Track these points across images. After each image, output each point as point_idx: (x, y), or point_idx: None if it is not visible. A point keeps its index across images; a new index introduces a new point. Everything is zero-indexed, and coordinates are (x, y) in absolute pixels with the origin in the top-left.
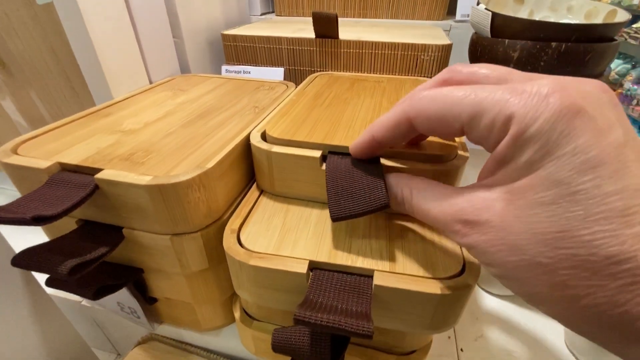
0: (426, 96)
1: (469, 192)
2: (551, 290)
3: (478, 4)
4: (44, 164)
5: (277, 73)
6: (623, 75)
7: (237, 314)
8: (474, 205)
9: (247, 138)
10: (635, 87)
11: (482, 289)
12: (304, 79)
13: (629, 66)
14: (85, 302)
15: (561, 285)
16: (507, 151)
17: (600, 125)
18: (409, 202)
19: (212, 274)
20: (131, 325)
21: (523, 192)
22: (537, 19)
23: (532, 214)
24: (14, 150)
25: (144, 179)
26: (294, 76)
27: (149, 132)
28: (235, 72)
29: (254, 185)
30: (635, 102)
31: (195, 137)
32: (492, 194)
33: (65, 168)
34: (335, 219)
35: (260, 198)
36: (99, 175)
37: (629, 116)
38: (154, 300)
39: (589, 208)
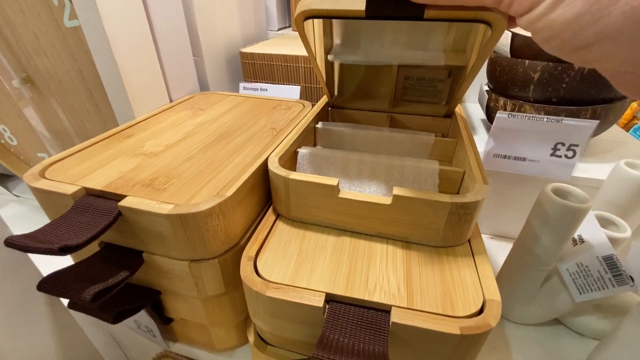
0: None
1: None
2: None
3: None
4: (70, 189)
5: (293, 91)
6: None
7: (251, 338)
8: None
9: (265, 163)
10: None
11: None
12: (320, 96)
13: None
14: None
15: None
16: None
17: None
18: None
19: (228, 298)
20: (147, 342)
21: None
22: None
23: None
24: (42, 174)
25: (166, 208)
26: (310, 93)
27: (169, 155)
28: (253, 89)
29: (271, 208)
30: None
31: (214, 161)
32: None
33: (90, 193)
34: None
35: (276, 223)
36: (122, 203)
37: None
38: (170, 320)
39: None
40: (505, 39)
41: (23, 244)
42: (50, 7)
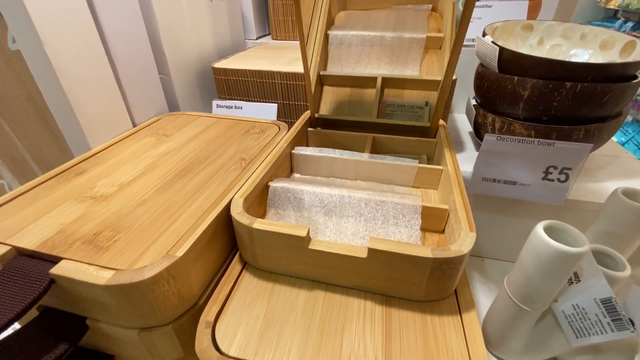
0: None
1: None
2: None
3: (484, 34)
4: None
5: (270, 109)
6: None
7: None
8: None
9: (228, 207)
10: None
11: (493, 354)
12: (298, 114)
13: None
14: None
15: None
16: None
17: None
18: None
19: None
20: None
21: None
22: (547, 47)
23: None
24: None
25: (104, 277)
26: (288, 111)
27: (121, 198)
28: (227, 107)
29: (237, 255)
30: None
31: (171, 205)
32: None
33: (22, 253)
34: None
35: (242, 274)
36: (54, 270)
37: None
38: None
39: None
40: (492, 53)
41: None
42: None
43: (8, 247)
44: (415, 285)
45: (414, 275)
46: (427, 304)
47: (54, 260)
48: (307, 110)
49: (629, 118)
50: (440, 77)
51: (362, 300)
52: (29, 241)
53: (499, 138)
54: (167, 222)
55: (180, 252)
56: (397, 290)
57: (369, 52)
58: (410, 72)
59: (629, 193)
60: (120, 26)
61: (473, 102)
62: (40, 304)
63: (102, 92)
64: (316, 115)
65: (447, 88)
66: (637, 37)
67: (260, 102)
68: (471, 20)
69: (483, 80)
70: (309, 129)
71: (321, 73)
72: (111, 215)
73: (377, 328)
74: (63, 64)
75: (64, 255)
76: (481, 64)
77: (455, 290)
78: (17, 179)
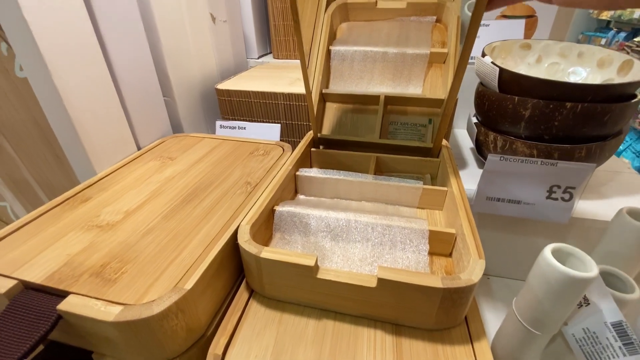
0: None
1: None
2: None
3: (483, 54)
4: (4, 285)
5: (273, 130)
6: None
7: None
8: None
9: (235, 234)
10: None
11: None
12: (301, 134)
13: None
14: None
15: None
16: None
17: None
18: None
19: None
20: None
21: None
22: (545, 65)
23: None
24: None
25: (112, 313)
26: (292, 130)
27: (128, 227)
28: (230, 127)
29: (244, 283)
30: None
31: (178, 233)
32: None
33: (28, 286)
34: None
35: (249, 303)
36: (62, 306)
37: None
38: None
39: None
40: (492, 73)
41: None
42: (0, 58)
43: (15, 281)
44: (426, 314)
45: (424, 304)
46: (438, 333)
47: (62, 294)
48: (310, 130)
49: None
50: (443, 96)
51: (372, 330)
52: (36, 274)
53: (502, 158)
54: (174, 252)
55: (188, 285)
56: (407, 319)
57: (372, 68)
58: (414, 88)
59: (634, 213)
60: (126, 53)
61: (474, 119)
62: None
63: (107, 117)
64: (319, 135)
65: (449, 112)
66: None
67: (263, 122)
68: None
69: (484, 100)
70: (313, 149)
71: (324, 91)
72: (118, 245)
73: (388, 358)
74: (70, 93)
75: (71, 289)
76: (481, 83)
77: (466, 318)
78: (19, 201)
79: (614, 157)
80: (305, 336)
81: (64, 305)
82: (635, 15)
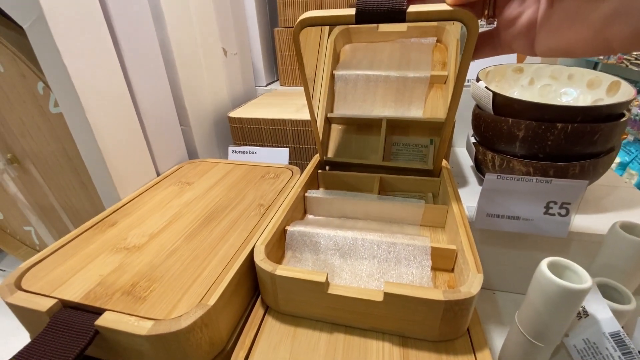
0: None
1: None
2: None
3: (478, 79)
4: (45, 304)
5: (282, 154)
6: None
7: None
8: None
9: (252, 253)
10: None
11: None
12: (309, 157)
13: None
14: None
15: None
16: None
17: None
18: None
19: None
20: None
21: None
22: (538, 86)
23: None
24: (18, 284)
25: (145, 327)
26: (299, 154)
27: (153, 248)
28: (242, 152)
29: (259, 300)
30: None
31: (199, 254)
32: None
33: (67, 305)
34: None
35: (265, 318)
36: (99, 322)
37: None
38: None
39: None
40: (486, 97)
41: None
42: (36, 96)
43: (55, 300)
44: (430, 326)
45: (428, 316)
46: (442, 344)
47: (97, 311)
48: (316, 153)
49: (631, 138)
50: (444, 116)
51: (380, 342)
52: (73, 293)
53: (499, 177)
54: (197, 271)
55: (211, 301)
56: (413, 331)
57: (374, 91)
58: (415, 110)
59: (627, 227)
60: (149, 88)
61: (472, 139)
62: None
63: (131, 147)
64: (325, 158)
65: (446, 137)
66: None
67: (272, 146)
68: None
69: (480, 121)
70: (320, 171)
71: (328, 115)
72: (145, 266)
73: None
74: (100, 126)
75: (106, 306)
76: (477, 106)
77: (468, 329)
78: (45, 225)
79: (611, 171)
80: (318, 349)
81: (101, 321)
82: None
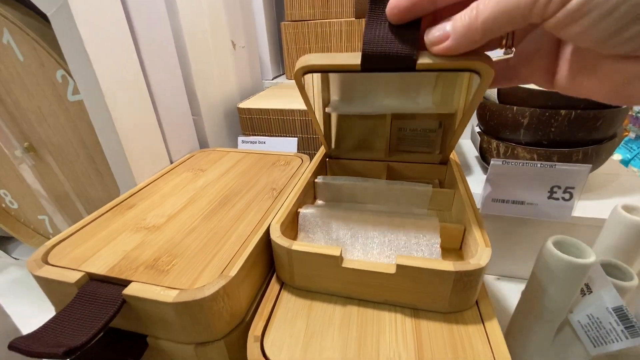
0: None
1: None
2: None
3: None
4: (73, 276)
5: (291, 143)
6: None
7: None
8: None
9: (267, 232)
10: None
11: None
12: (317, 147)
13: None
14: None
15: None
16: None
17: None
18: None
19: None
20: None
21: None
22: None
23: None
24: (45, 259)
25: (170, 295)
26: (307, 144)
27: (172, 228)
28: (251, 142)
29: (274, 276)
30: None
31: (217, 232)
32: None
33: (93, 278)
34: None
35: (281, 293)
36: (126, 291)
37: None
38: None
39: None
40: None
41: (27, 349)
42: (54, 84)
43: (82, 273)
44: (440, 297)
45: (439, 288)
46: (452, 315)
47: (123, 283)
48: None
49: (632, 135)
50: (454, 105)
51: (393, 314)
52: (99, 267)
53: (504, 162)
54: (216, 247)
55: (232, 272)
56: (424, 303)
57: (377, 79)
58: (423, 99)
59: (628, 208)
60: (163, 77)
61: (477, 129)
62: None
63: (147, 134)
64: (330, 153)
65: (459, 134)
66: None
67: (281, 137)
68: None
69: (485, 110)
70: (328, 159)
71: (326, 110)
72: (166, 243)
73: (408, 338)
74: (118, 112)
75: (131, 278)
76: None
77: (477, 302)
78: (59, 213)
79: (614, 160)
80: (333, 321)
81: (129, 290)
82: None
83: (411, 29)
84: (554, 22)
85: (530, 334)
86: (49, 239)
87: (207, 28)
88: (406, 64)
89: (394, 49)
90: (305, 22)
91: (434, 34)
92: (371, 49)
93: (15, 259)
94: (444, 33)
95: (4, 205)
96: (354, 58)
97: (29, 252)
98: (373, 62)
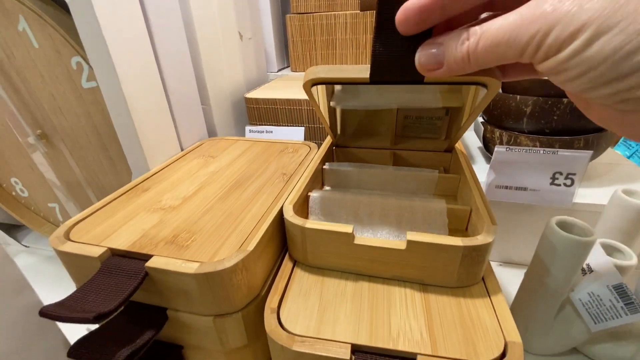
0: None
1: None
2: None
3: None
4: (96, 251)
5: (298, 132)
6: None
7: None
8: None
9: (280, 212)
10: None
11: None
12: (323, 136)
13: None
14: None
15: None
16: None
17: None
18: (475, 32)
19: (251, 350)
20: None
21: None
22: None
23: None
24: (67, 236)
25: (192, 267)
26: (314, 133)
27: (188, 208)
28: (259, 132)
29: (287, 255)
30: None
31: (232, 212)
32: None
33: (115, 253)
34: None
35: (294, 270)
36: (149, 264)
37: None
38: None
39: None
40: None
41: (57, 314)
42: (69, 71)
43: (104, 248)
44: (449, 272)
45: (447, 263)
46: (460, 290)
47: (144, 258)
48: None
49: None
50: (460, 103)
51: (402, 289)
52: (120, 243)
53: (507, 149)
54: (232, 225)
55: (250, 247)
56: (433, 278)
57: None
58: (430, 91)
59: (628, 192)
60: (174, 66)
61: (480, 119)
62: None
63: (159, 121)
64: (337, 141)
65: (466, 128)
66: None
67: (288, 126)
68: None
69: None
70: (335, 147)
71: (330, 104)
72: (183, 222)
73: (418, 310)
74: (133, 99)
75: (152, 253)
76: None
77: (483, 278)
78: (70, 201)
79: (615, 151)
80: (345, 295)
81: (151, 263)
82: None
83: (420, 41)
84: (541, 68)
85: (533, 312)
86: (58, 227)
87: (217, 18)
88: (415, 78)
89: (403, 63)
90: (311, 14)
91: (428, 60)
92: (380, 61)
93: (26, 246)
94: (437, 61)
95: (14, 193)
96: (363, 71)
97: (38, 240)
98: (381, 75)
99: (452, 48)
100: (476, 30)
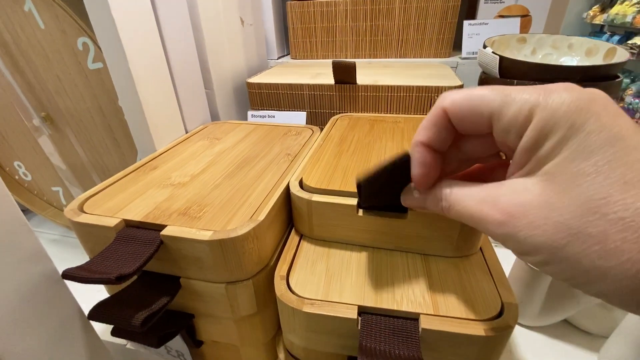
0: (459, 91)
1: (507, 184)
2: (604, 261)
3: (485, 46)
4: (111, 221)
5: (300, 117)
6: (623, 90)
7: (281, 355)
8: (514, 191)
9: (287, 188)
10: (637, 100)
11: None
12: (324, 121)
13: (628, 80)
14: (129, 344)
15: (615, 253)
16: (538, 136)
17: (613, 111)
18: (447, 199)
19: (259, 318)
20: None
21: (562, 168)
22: (540, 56)
23: (575, 186)
24: (81, 208)
25: (206, 235)
26: (315, 118)
27: (197, 184)
28: (261, 116)
29: (293, 230)
30: (637, 115)
31: (241, 188)
32: (530, 179)
33: (129, 224)
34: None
35: (301, 243)
36: (164, 232)
37: None
38: (200, 343)
39: (625, 173)
40: (493, 61)
41: (81, 276)
42: (75, 52)
43: (119, 219)
44: (448, 241)
45: (447, 232)
46: (459, 259)
47: (158, 228)
48: (332, 116)
49: None
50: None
51: (405, 259)
52: (134, 215)
53: None
54: (242, 199)
55: (261, 217)
56: (433, 248)
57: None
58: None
59: None
60: (180, 50)
61: None
62: None
63: (165, 103)
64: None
65: None
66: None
67: (290, 111)
68: (470, 36)
69: (486, 84)
70: None
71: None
72: (194, 196)
73: (420, 277)
74: (141, 80)
75: (166, 223)
76: (483, 72)
77: (481, 249)
78: (74, 184)
79: None
80: (350, 265)
81: (166, 232)
82: (628, 19)
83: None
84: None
85: (526, 286)
86: (62, 210)
87: (219, 2)
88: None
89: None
90: (311, 1)
91: (411, 204)
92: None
93: None
94: (419, 205)
95: (17, 177)
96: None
97: (42, 223)
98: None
99: (431, 204)
100: (448, 196)
